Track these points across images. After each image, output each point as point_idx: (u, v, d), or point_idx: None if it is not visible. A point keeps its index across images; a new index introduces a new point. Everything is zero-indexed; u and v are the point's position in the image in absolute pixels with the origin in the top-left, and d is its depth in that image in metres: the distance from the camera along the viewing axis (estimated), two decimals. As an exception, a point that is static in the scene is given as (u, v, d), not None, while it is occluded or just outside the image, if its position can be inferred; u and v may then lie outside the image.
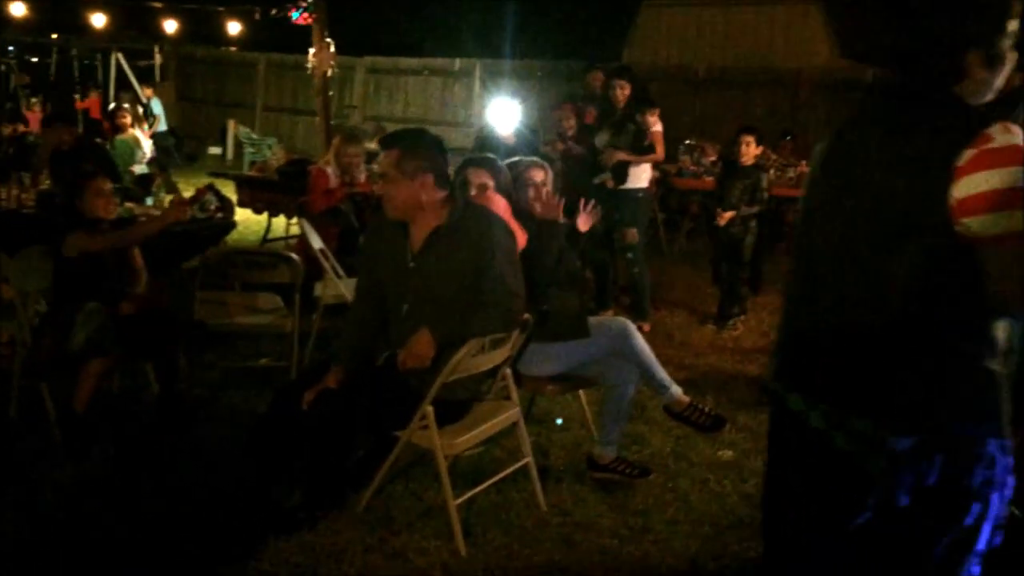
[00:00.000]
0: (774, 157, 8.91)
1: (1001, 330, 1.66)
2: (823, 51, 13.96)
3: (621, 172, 5.98)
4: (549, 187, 3.77)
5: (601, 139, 6.06)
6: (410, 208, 2.98)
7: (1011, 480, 1.72)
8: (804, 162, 8.89)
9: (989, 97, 1.71)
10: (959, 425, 1.69)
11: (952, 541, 1.71)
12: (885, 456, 1.70)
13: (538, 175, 3.76)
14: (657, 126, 6.14)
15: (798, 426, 1.82)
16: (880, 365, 1.72)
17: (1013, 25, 1.67)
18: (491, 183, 3.51)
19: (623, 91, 5.98)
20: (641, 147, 5.99)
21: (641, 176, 6.06)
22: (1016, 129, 1.56)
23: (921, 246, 1.62)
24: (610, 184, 5.97)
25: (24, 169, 5.79)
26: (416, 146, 2.99)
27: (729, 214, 5.99)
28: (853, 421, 1.74)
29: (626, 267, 6.17)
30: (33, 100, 13.26)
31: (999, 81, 1.70)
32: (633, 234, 6.04)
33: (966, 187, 1.54)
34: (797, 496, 1.88)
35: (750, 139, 6.04)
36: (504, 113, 6.84)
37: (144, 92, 10.60)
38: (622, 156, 5.94)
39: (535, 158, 4.02)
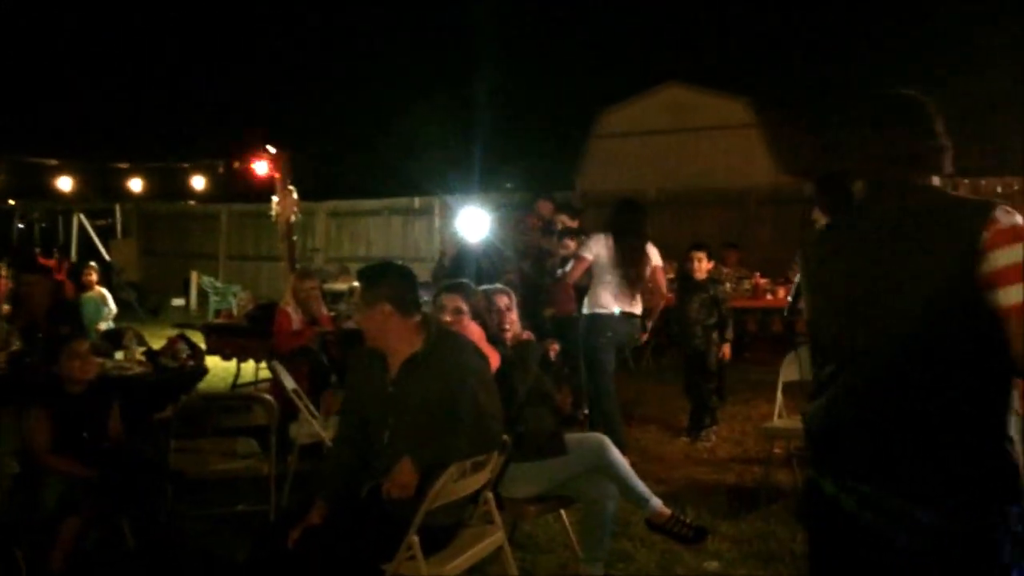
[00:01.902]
0: (727, 270, 9.22)
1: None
2: (765, 170, 14.68)
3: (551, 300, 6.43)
4: (514, 312, 3.94)
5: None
6: (378, 336, 3.09)
7: None
8: (757, 273, 9.21)
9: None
10: (983, 497, 1.77)
11: None
12: (909, 529, 1.79)
13: (503, 301, 3.95)
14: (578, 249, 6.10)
15: (832, 510, 1.92)
16: (911, 442, 1.82)
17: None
18: (465, 307, 3.65)
19: (544, 209, 6.45)
20: (541, 270, 6.58)
21: (600, 302, 5.83)
22: (1011, 210, 1.78)
23: (952, 324, 1.78)
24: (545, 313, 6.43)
25: None
26: (374, 277, 3.14)
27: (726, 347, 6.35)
28: (881, 498, 1.83)
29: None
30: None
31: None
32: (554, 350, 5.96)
33: (991, 263, 1.74)
34: None
35: (701, 255, 6.33)
36: (474, 222, 7.11)
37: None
38: (523, 271, 6.38)
39: (499, 285, 4.20)
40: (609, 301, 5.84)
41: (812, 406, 2.01)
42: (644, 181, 14.36)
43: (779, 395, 5.31)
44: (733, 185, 13.36)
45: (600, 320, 5.80)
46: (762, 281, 8.98)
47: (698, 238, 8.06)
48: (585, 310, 5.96)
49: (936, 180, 1.93)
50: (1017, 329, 1.72)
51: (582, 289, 6.17)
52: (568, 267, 6.12)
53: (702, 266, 6.31)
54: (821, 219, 2.00)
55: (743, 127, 15.26)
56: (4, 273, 10.78)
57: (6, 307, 6.03)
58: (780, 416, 5.05)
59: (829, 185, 2.04)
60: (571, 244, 6.37)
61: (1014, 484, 1.78)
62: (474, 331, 3.56)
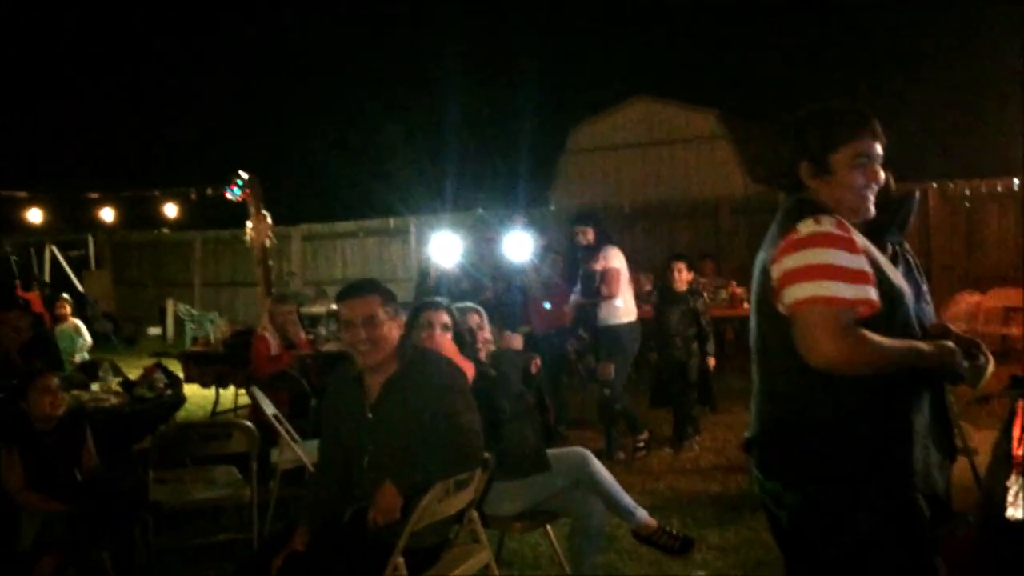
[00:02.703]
0: (703, 280, 9.27)
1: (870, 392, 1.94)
2: (737, 179, 14.82)
3: (584, 318, 6.28)
4: (486, 330, 3.96)
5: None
6: (388, 348, 3.01)
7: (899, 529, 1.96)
8: (733, 282, 9.27)
9: (855, 200, 2.07)
10: (836, 479, 1.96)
11: None
12: (787, 510, 2.05)
13: (473, 319, 3.96)
14: (614, 262, 6.11)
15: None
16: (775, 431, 2.08)
17: (855, 147, 2.05)
18: (448, 322, 3.66)
19: (586, 236, 6.18)
20: (588, 290, 6.13)
21: (617, 313, 6.05)
22: (825, 220, 1.96)
23: (771, 329, 2.04)
24: (581, 335, 6.27)
25: None
26: (387, 290, 3.11)
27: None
28: (764, 483, 2.09)
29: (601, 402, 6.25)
30: None
31: (848, 187, 2.06)
32: (609, 368, 6.01)
33: (777, 270, 1.98)
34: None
35: (681, 266, 6.35)
36: (446, 247, 7.13)
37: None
38: (576, 300, 6.23)
39: (469, 304, 4.21)
40: (633, 309, 6.16)
41: None
42: (617, 195, 14.46)
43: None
44: (705, 196, 13.47)
45: (634, 328, 6.13)
46: (738, 290, 9.04)
47: (673, 250, 8.12)
48: (615, 320, 6.06)
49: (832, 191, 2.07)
50: (797, 327, 1.93)
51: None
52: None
53: (682, 277, 6.33)
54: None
55: (713, 138, 15.41)
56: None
57: None
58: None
59: (782, 173, 2.21)
60: (601, 261, 6.14)
61: (869, 463, 1.95)
62: (448, 346, 3.56)
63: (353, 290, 3.07)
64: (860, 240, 1.99)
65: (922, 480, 1.98)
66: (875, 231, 2.26)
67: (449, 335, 3.65)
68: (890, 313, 1.98)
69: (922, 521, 1.98)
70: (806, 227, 1.96)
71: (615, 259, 6.10)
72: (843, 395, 1.95)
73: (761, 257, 2.09)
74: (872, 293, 1.92)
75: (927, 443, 2.00)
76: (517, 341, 4.41)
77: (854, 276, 1.91)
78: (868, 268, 1.94)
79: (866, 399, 1.95)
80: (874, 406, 1.95)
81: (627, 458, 6.01)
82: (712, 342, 6.45)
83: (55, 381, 3.95)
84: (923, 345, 1.97)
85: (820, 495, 1.97)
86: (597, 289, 6.10)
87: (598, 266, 6.09)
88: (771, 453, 2.09)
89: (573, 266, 6.47)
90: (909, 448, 1.96)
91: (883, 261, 2.07)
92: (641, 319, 6.31)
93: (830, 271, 1.90)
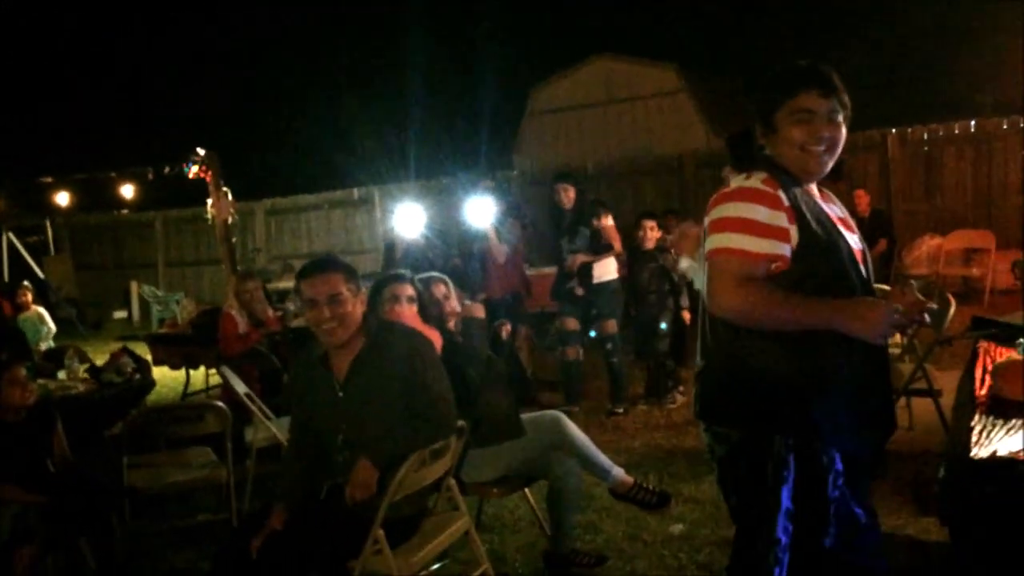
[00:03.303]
0: (670, 237, 9.31)
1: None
2: (699, 133, 14.82)
3: (586, 275, 6.26)
4: (452, 299, 3.94)
5: (560, 246, 6.36)
6: (353, 326, 2.99)
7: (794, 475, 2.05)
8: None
9: (800, 157, 2.09)
10: (746, 423, 2.06)
11: (753, 530, 2.07)
12: (717, 459, 2.15)
13: (440, 290, 3.93)
14: (608, 221, 6.43)
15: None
16: (705, 384, 2.19)
17: (795, 104, 2.07)
18: (414, 294, 3.63)
19: (567, 194, 6.30)
20: (599, 246, 6.29)
21: (609, 268, 6.37)
22: (755, 176, 2.03)
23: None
24: (579, 292, 6.25)
25: None
26: (349, 266, 3.07)
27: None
28: (704, 433, 2.19)
29: (604, 358, 6.34)
30: None
31: (789, 143, 2.09)
32: (612, 325, 6.30)
33: (706, 221, 2.09)
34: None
35: (651, 224, 6.39)
36: (409, 219, 7.08)
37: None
38: (583, 259, 6.23)
39: (435, 273, 4.18)
40: (615, 269, 6.46)
41: None
42: (581, 155, 14.41)
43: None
44: (669, 152, 13.47)
45: (620, 287, 6.43)
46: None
47: (639, 207, 8.13)
48: (610, 276, 6.36)
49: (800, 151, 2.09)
50: (708, 276, 2.03)
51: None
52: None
53: (652, 235, 6.37)
54: (729, 176, 2.14)
55: (674, 93, 15.37)
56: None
57: None
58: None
59: (737, 142, 2.22)
60: (605, 219, 6.41)
61: (777, 415, 2.03)
62: (408, 314, 3.55)
63: (315, 268, 3.01)
64: (793, 197, 2.02)
65: (834, 437, 2.03)
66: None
67: (414, 307, 3.63)
68: (816, 267, 2.00)
69: (822, 478, 2.04)
70: (736, 181, 2.06)
71: (609, 217, 6.43)
72: (760, 346, 2.00)
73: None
74: (784, 249, 1.97)
75: (852, 402, 2.02)
76: (478, 310, 4.41)
77: (767, 231, 1.97)
78: (786, 224, 1.98)
79: (782, 352, 1.99)
80: (789, 360, 1.99)
81: (624, 412, 6.17)
82: (685, 296, 6.50)
83: (24, 372, 3.89)
84: (842, 305, 1.92)
85: (736, 443, 2.08)
86: (607, 244, 6.28)
87: (608, 222, 6.38)
88: (703, 401, 2.18)
89: (555, 223, 6.49)
90: (823, 405, 2.00)
91: (824, 216, 2.08)
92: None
93: (743, 224, 1.98)
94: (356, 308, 2.99)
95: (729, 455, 2.10)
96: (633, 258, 6.53)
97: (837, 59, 2.20)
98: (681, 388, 6.42)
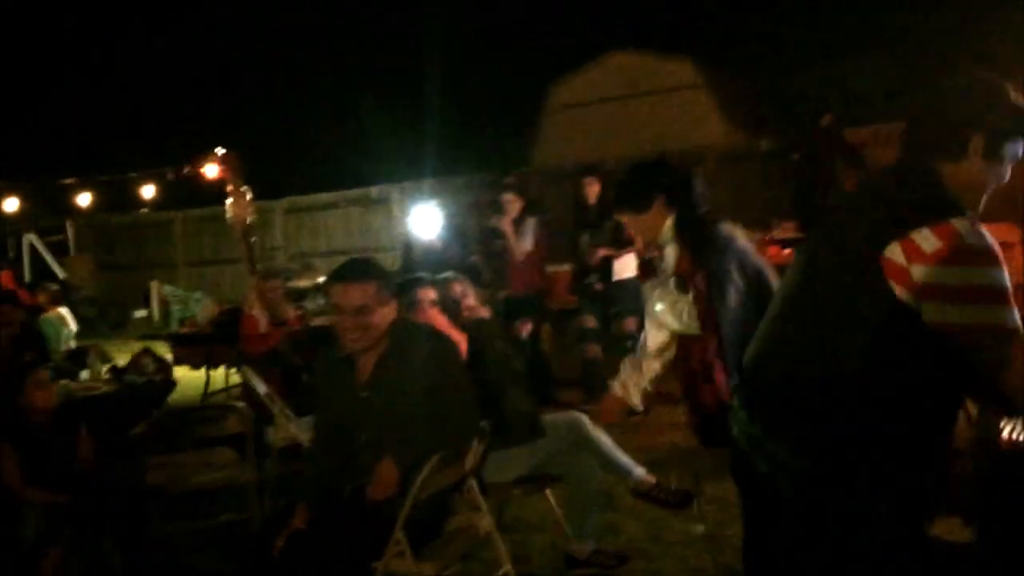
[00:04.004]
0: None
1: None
2: (717, 128, 14.73)
3: (606, 270, 6.19)
4: (470, 297, 3.93)
5: (582, 240, 6.32)
6: (379, 334, 2.99)
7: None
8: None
9: (977, 194, 1.86)
10: (866, 478, 1.81)
11: None
12: (789, 474, 1.87)
13: (456, 289, 3.92)
14: None
15: (740, 456, 2.01)
16: (821, 408, 1.84)
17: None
18: (436, 296, 3.64)
19: (592, 188, 6.26)
20: (621, 240, 6.19)
21: (629, 265, 6.27)
22: (983, 229, 1.72)
23: (875, 309, 1.76)
24: (599, 287, 6.19)
25: None
26: (384, 273, 3.07)
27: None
28: (771, 445, 1.89)
29: (624, 356, 6.30)
30: None
31: (989, 179, 1.85)
32: (631, 323, 6.21)
33: (931, 275, 1.69)
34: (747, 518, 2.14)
35: None
36: (426, 220, 7.06)
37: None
38: (604, 252, 6.17)
39: (450, 273, 4.16)
40: (635, 267, 6.23)
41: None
42: (600, 150, 14.34)
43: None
44: (688, 146, 13.39)
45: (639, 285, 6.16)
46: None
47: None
48: (630, 273, 6.20)
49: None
50: (983, 354, 1.75)
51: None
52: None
53: None
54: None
55: (693, 88, 15.28)
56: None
57: None
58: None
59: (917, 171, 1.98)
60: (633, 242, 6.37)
61: (905, 467, 1.80)
62: (439, 318, 3.54)
63: (347, 275, 2.98)
64: None
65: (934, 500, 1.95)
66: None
67: (437, 309, 3.63)
68: None
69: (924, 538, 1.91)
70: (970, 234, 1.71)
71: None
72: (916, 399, 1.79)
73: (867, 229, 1.82)
74: None
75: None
76: (484, 311, 4.37)
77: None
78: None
79: (933, 409, 1.82)
80: (936, 418, 1.84)
81: (645, 411, 6.14)
82: None
83: (46, 374, 3.93)
84: None
85: (839, 475, 1.82)
86: (630, 239, 6.20)
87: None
88: (790, 410, 1.89)
89: (578, 218, 6.48)
90: (937, 466, 1.88)
91: None
92: None
93: (1001, 295, 1.70)
94: (384, 316, 2.97)
95: (828, 484, 1.85)
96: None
97: (857, 57, 2.10)
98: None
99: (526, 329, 4.46)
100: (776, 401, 1.92)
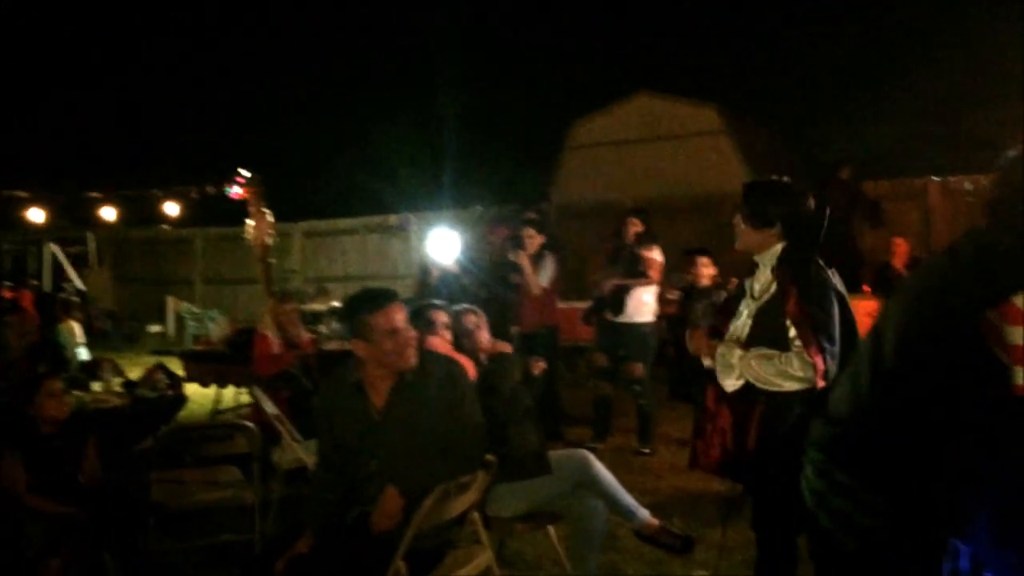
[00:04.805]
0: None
1: None
2: (738, 175, 14.78)
3: (617, 302, 6.19)
4: (484, 330, 3.94)
5: (603, 272, 6.36)
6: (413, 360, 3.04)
7: None
8: (734, 279, 9.25)
9: None
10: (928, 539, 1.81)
11: None
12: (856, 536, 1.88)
13: (470, 320, 3.94)
14: (654, 253, 6.38)
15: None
16: (892, 468, 1.86)
17: None
18: (448, 321, 3.66)
19: (634, 229, 6.32)
20: (635, 271, 6.24)
21: (643, 310, 6.29)
22: None
23: (970, 376, 1.78)
24: (608, 317, 6.19)
25: None
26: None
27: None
28: (837, 501, 1.91)
29: (632, 398, 6.30)
30: None
31: None
32: (639, 368, 6.23)
33: None
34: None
35: (706, 260, 6.35)
36: (444, 244, 7.09)
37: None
38: (615, 281, 6.18)
39: (466, 305, 4.18)
40: (656, 310, 6.41)
41: None
42: (619, 191, 14.41)
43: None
44: (707, 191, 13.44)
45: (656, 328, 6.41)
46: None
47: (676, 246, 8.10)
48: (642, 318, 6.24)
49: None
50: None
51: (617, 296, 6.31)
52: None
53: (706, 272, 6.33)
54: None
55: (714, 134, 15.37)
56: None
57: None
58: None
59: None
60: (652, 252, 6.37)
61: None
62: (441, 344, 3.57)
63: (388, 298, 3.05)
64: None
65: None
66: None
67: (448, 335, 3.65)
68: None
69: None
70: None
71: (656, 250, 6.39)
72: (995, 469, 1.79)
73: (965, 292, 1.84)
74: None
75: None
76: (504, 346, 4.38)
77: None
78: None
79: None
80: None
81: (651, 453, 6.15)
82: None
83: (60, 385, 3.95)
84: None
85: (902, 535, 1.85)
86: (643, 271, 6.27)
87: (650, 254, 6.37)
88: (859, 467, 1.91)
89: (610, 255, 6.53)
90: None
91: None
92: (665, 315, 6.47)
93: None
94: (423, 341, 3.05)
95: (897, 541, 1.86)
96: (688, 295, 6.49)
97: (878, 104, 2.12)
98: None
99: (539, 367, 4.49)
100: (846, 458, 1.94)
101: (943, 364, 1.82)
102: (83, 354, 7.83)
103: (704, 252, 6.50)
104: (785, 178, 3.03)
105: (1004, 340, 1.72)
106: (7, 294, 14.09)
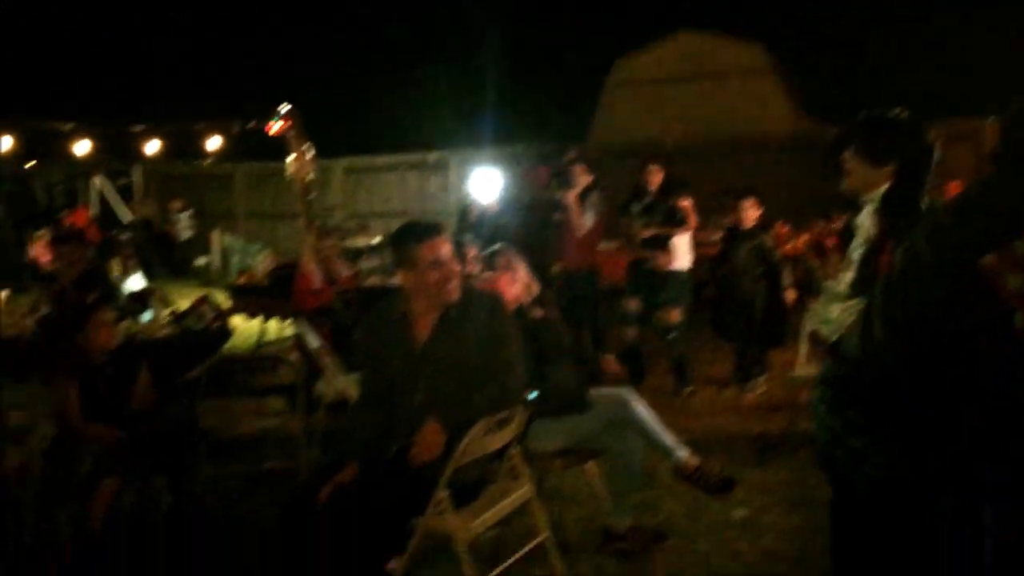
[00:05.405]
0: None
1: None
2: (783, 114, 14.45)
3: (657, 247, 6.25)
4: (521, 271, 3.88)
5: (634, 222, 6.35)
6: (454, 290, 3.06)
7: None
8: (779, 222, 9.10)
9: None
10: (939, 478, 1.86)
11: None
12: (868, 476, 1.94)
13: (504, 261, 3.87)
14: (687, 202, 6.45)
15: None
16: (905, 406, 1.91)
17: None
18: (478, 255, 3.64)
19: (655, 176, 6.31)
20: (674, 220, 6.30)
21: (682, 257, 6.31)
22: None
23: (973, 314, 1.83)
24: (648, 267, 6.22)
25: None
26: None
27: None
28: (853, 440, 1.97)
29: (667, 346, 6.31)
30: (39, 233, 13.32)
31: None
32: (676, 314, 6.24)
33: None
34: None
35: (750, 203, 6.23)
36: (486, 182, 7.07)
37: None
38: (654, 230, 6.21)
39: (500, 245, 4.09)
40: (688, 260, 6.46)
41: None
42: (661, 130, 14.18)
43: (804, 343, 5.32)
44: (752, 132, 13.17)
45: (691, 274, 6.46)
46: (784, 230, 8.88)
47: (718, 187, 7.98)
48: (679, 265, 6.32)
49: None
50: None
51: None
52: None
53: (751, 214, 6.22)
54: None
55: (760, 72, 14.99)
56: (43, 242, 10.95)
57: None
58: (805, 364, 5.04)
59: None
60: (685, 201, 6.43)
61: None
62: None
63: (430, 231, 3.05)
64: None
65: None
66: None
67: (477, 270, 3.64)
68: None
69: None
70: None
71: (689, 199, 6.49)
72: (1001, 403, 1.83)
73: (972, 234, 1.87)
74: None
75: None
76: (535, 286, 4.35)
77: None
78: None
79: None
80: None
81: (690, 395, 6.16)
82: (789, 273, 6.32)
83: (111, 315, 4.04)
84: None
85: (913, 474, 1.89)
86: (681, 219, 6.29)
87: (685, 203, 6.39)
88: (873, 407, 1.96)
89: (629, 201, 6.50)
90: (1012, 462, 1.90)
91: None
92: (707, 256, 6.46)
93: None
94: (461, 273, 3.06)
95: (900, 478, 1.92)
96: (731, 236, 6.41)
97: (932, 42, 2.05)
98: (765, 376, 6.30)
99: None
100: (861, 396, 1.98)
101: (946, 305, 1.85)
102: (137, 283, 7.90)
103: (749, 194, 6.37)
104: (904, 112, 2.86)
105: (1004, 284, 1.75)
106: (66, 220, 14.40)
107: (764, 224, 6.44)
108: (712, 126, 14.17)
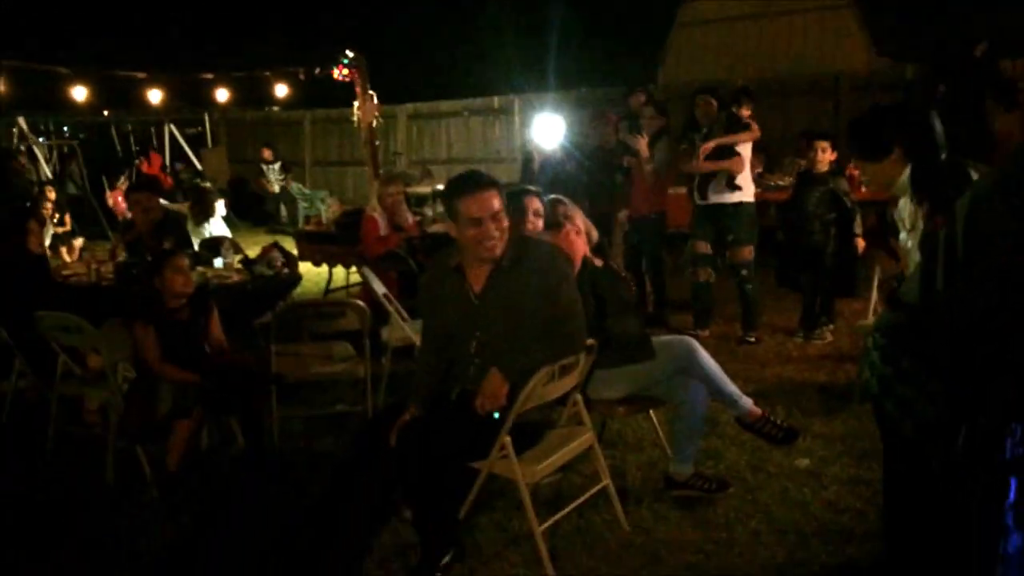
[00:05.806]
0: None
1: None
2: (860, 53, 13.89)
3: (729, 177, 6.01)
4: (578, 219, 3.81)
5: (692, 146, 6.16)
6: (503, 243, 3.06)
7: None
8: (851, 165, 8.81)
9: None
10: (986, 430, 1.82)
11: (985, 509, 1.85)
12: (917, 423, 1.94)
13: (562, 209, 3.78)
14: (747, 111, 6.42)
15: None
16: (960, 359, 1.87)
17: None
18: (541, 208, 3.59)
19: (708, 108, 6.09)
20: (736, 127, 6.07)
21: (748, 189, 6.12)
22: None
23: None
24: (712, 198, 6.07)
25: None
26: (498, 182, 3.12)
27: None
28: (902, 388, 1.97)
29: (737, 284, 6.20)
30: (120, 181, 13.73)
31: None
32: (748, 251, 6.09)
33: None
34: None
35: (825, 145, 5.92)
36: (548, 129, 7.01)
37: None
38: (717, 142, 5.96)
39: (558, 195, 4.00)
40: (752, 192, 6.23)
41: None
42: (730, 71, 13.79)
43: (874, 291, 5.20)
44: (825, 70, 12.71)
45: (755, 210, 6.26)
46: (856, 173, 8.60)
47: (789, 129, 7.75)
48: (746, 198, 6.08)
49: None
50: None
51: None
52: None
53: (825, 157, 5.92)
54: None
55: (837, 8, 14.40)
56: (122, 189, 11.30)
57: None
58: (874, 313, 4.93)
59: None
60: (746, 109, 6.38)
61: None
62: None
63: (476, 185, 3.01)
64: None
65: None
66: None
67: (540, 222, 3.60)
68: None
69: None
70: None
71: (749, 107, 6.52)
72: None
73: None
74: None
75: None
76: (594, 234, 4.26)
77: None
78: None
79: None
80: None
81: (756, 341, 6.09)
82: (859, 224, 5.98)
83: (186, 261, 4.16)
84: None
85: (962, 424, 1.86)
86: (745, 124, 6.12)
87: (744, 111, 6.34)
88: (927, 357, 1.93)
89: (684, 136, 6.33)
90: None
91: None
92: (776, 201, 6.30)
93: None
94: (508, 222, 3.04)
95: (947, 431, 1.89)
96: (802, 180, 6.17)
97: None
98: (832, 326, 6.16)
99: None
100: (911, 344, 1.97)
101: (1007, 257, 1.81)
102: (218, 228, 8.06)
103: (823, 136, 6.09)
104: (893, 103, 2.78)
105: None
106: (144, 167, 14.79)
107: (838, 168, 6.20)
108: (784, 65, 13.72)
